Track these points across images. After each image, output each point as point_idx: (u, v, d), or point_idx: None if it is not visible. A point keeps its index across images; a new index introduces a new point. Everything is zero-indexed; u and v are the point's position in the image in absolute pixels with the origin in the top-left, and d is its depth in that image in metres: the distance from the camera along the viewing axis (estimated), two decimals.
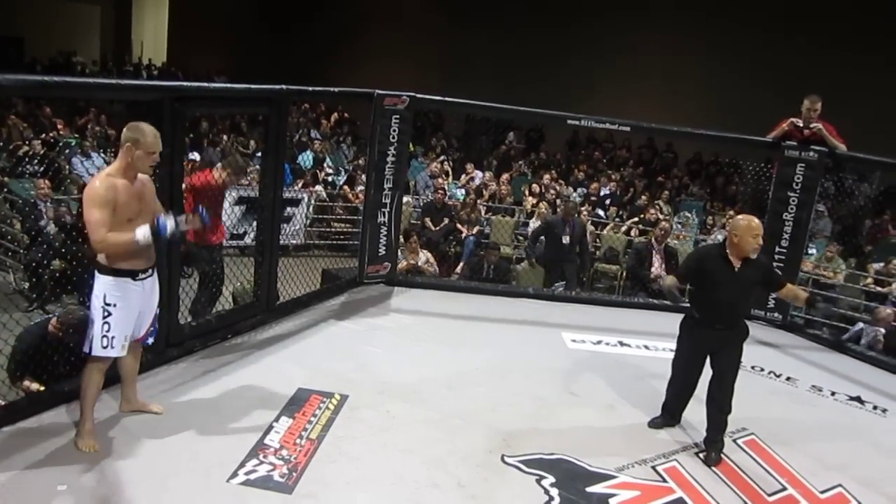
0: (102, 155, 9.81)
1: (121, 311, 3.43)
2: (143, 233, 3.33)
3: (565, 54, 15.86)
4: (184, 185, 4.51)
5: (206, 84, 4.71)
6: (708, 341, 4.17)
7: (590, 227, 9.65)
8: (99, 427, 3.73)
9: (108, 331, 3.42)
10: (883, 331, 6.58)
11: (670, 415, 4.47)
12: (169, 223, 3.39)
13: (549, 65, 15.86)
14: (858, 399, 5.32)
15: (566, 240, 7.66)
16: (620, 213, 10.87)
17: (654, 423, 4.48)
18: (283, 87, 5.06)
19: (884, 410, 5.19)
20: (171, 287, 4.48)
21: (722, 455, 4.18)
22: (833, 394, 5.37)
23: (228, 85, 4.80)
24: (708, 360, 4.26)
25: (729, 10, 14.28)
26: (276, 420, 4.03)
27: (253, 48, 18.50)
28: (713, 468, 4.07)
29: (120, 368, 3.83)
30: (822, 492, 3.98)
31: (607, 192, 11.34)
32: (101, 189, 3.26)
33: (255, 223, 5.58)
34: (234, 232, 8.78)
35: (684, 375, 4.34)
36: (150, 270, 3.57)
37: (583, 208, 10.10)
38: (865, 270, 8.71)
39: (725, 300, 4.07)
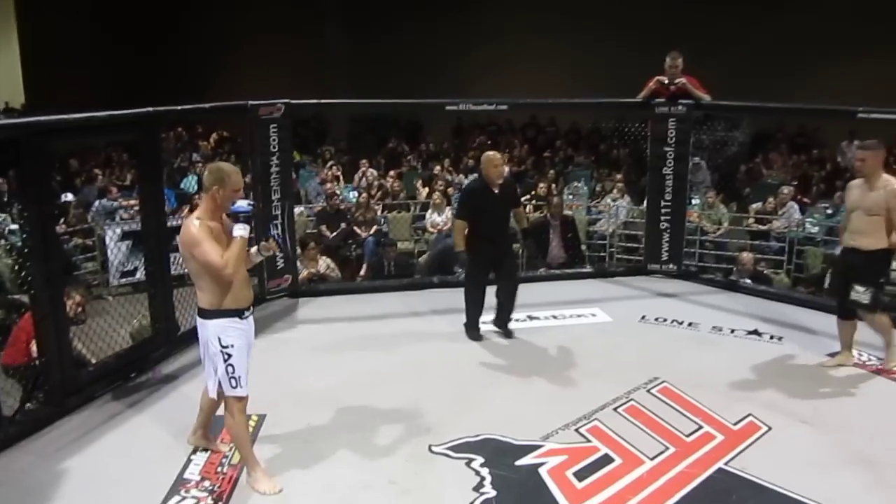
0: None
1: (237, 349, 3.46)
2: (238, 230, 3.39)
3: (440, 47, 15.85)
4: None
5: (65, 115, 4.47)
6: (492, 253, 5.38)
7: None
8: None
9: (233, 372, 3.46)
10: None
11: (476, 325, 5.55)
12: (240, 202, 3.41)
13: (423, 63, 15.63)
14: (756, 332, 5.63)
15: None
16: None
17: (473, 336, 5.52)
18: (151, 108, 4.88)
19: (780, 338, 5.51)
20: (60, 334, 4.27)
21: None
22: (732, 331, 5.64)
23: (91, 113, 4.56)
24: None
25: None
26: (194, 452, 3.89)
27: (118, 76, 17.54)
28: (630, 418, 4.22)
29: (202, 400, 3.79)
30: (735, 423, 4.19)
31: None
32: (199, 228, 3.33)
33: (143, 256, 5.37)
34: (124, 269, 8.46)
35: (476, 288, 5.50)
36: (252, 308, 3.60)
37: None
38: (747, 213, 9.18)
39: (497, 217, 5.39)
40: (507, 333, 5.58)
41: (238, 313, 3.47)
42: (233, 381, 3.46)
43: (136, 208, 7.73)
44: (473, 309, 5.54)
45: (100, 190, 10.45)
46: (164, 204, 5.35)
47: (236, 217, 3.40)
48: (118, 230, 8.41)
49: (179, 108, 5.46)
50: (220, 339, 3.43)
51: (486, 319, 5.86)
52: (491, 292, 5.56)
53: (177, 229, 8.37)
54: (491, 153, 5.49)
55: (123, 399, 4.55)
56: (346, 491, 3.55)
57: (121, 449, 3.97)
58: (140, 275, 7.73)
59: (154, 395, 4.63)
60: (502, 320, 5.61)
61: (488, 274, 5.49)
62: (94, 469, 3.75)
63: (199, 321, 3.49)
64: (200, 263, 3.33)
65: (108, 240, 8.33)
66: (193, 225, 3.35)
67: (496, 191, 5.34)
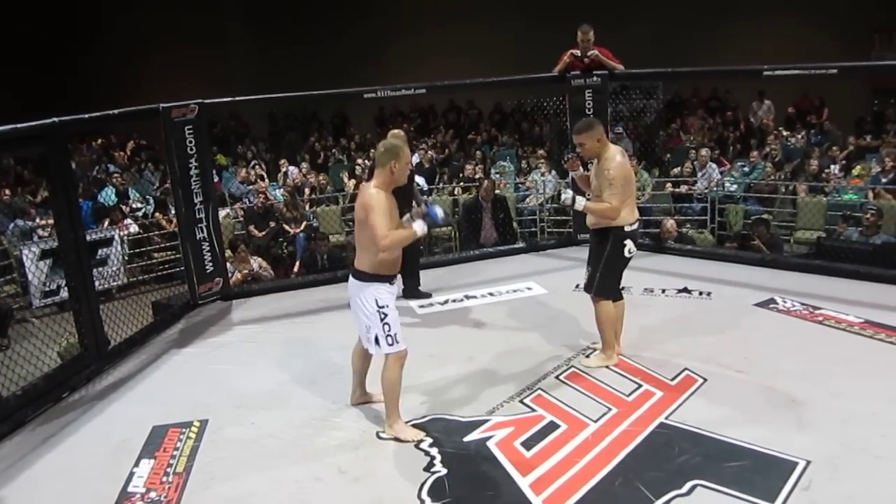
0: None
1: (391, 309, 3.77)
2: (420, 226, 3.73)
3: (352, 49, 15.73)
4: None
5: None
6: None
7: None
8: None
9: (389, 330, 3.76)
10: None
11: None
12: (438, 209, 3.81)
13: (336, 66, 15.22)
14: (685, 290, 5.79)
15: None
16: (442, 176, 11.09)
17: None
18: (55, 119, 4.69)
19: (708, 294, 5.68)
20: None
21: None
22: (663, 291, 5.79)
23: None
24: None
25: None
26: (136, 465, 3.79)
27: (18, 96, 16.56)
28: (572, 384, 4.30)
29: (354, 363, 4.17)
30: (672, 378, 4.31)
31: (417, 159, 11.50)
32: (382, 199, 3.66)
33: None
34: (46, 289, 8.15)
35: None
36: (396, 276, 3.91)
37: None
38: (669, 177, 9.42)
39: None
40: None
41: (389, 279, 3.80)
42: (389, 339, 3.76)
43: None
44: None
45: (12, 210, 10.03)
46: (80, 217, 5.16)
47: (424, 214, 3.77)
48: (35, 249, 8.09)
49: (87, 116, 5.26)
50: (377, 301, 3.72)
51: (422, 303, 5.90)
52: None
53: (98, 242, 8.27)
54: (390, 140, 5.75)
55: (56, 420, 4.38)
56: (295, 486, 3.52)
57: (58, 471, 3.83)
58: (64, 293, 7.47)
59: (88, 412, 4.47)
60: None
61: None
62: (32, 494, 3.62)
63: (354, 282, 3.78)
64: (369, 227, 3.61)
65: (25, 260, 8.02)
66: (373, 193, 3.66)
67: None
